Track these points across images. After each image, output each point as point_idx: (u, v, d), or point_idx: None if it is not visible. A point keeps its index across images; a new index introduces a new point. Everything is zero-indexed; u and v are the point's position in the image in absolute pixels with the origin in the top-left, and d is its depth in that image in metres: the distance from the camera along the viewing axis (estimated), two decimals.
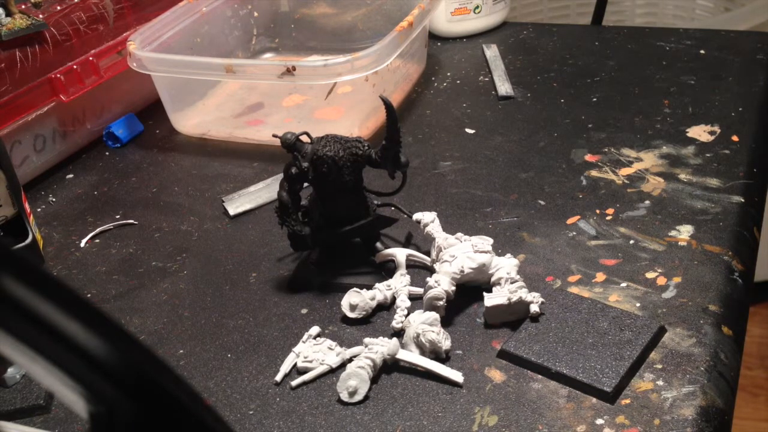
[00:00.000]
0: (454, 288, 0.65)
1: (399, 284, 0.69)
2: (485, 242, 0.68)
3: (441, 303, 0.65)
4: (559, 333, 0.62)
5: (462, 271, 0.66)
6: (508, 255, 0.69)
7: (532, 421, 0.56)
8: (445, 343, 0.62)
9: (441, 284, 0.65)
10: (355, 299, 0.67)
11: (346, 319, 0.68)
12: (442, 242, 0.69)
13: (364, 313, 0.67)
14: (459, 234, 0.70)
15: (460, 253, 0.67)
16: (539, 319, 0.64)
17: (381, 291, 0.68)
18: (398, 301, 0.67)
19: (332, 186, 0.69)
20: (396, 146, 0.69)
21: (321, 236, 0.71)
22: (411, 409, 0.59)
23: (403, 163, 0.70)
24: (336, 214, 0.71)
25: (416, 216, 0.73)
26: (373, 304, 0.68)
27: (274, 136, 0.71)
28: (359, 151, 0.69)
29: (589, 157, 0.87)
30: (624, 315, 0.63)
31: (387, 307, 0.69)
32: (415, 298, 0.68)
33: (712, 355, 0.60)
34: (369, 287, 0.69)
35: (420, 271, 0.72)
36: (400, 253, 0.72)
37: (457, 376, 0.60)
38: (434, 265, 0.69)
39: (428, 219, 0.72)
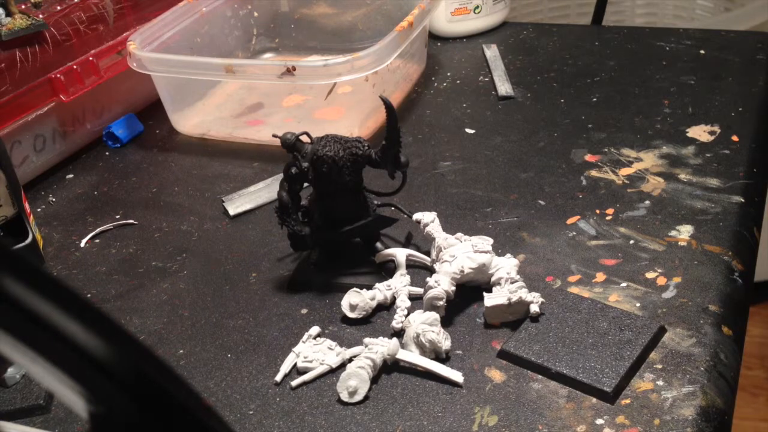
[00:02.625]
0: (454, 288, 0.65)
1: (399, 284, 0.69)
2: (485, 242, 0.68)
3: (441, 303, 0.65)
4: (559, 333, 0.62)
5: (462, 271, 0.66)
6: (508, 255, 0.69)
7: (532, 421, 0.56)
8: (445, 343, 0.62)
9: (441, 284, 0.65)
10: (355, 299, 0.67)
11: (346, 319, 0.68)
12: (442, 242, 0.69)
13: (364, 313, 0.67)
14: (459, 234, 0.70)
15: (460, 253, 0.67)
16: (539, 319, 0.64)
17: (381, 291, 0.68)
18: (398, 301, 0.67)
19: (332, 186, 0.69)
20: (396, 146, 0.69)
21: (321, 236, 0.71)
22: (411, 409, 0.59)
23: (403, 163, 0.70)
24: (336, 214, 0.71)
25: (416, 216, 0.73)
26: (373, 304, 0.68)
27: (274, 136, 0.71)
28: (359, 151, 0.69)
29: (589, 157, 0.87)
30: (624, 315, 0.63)
31: (387, 307, 0.69)
32: (415, 298, 0.68)
33: (712, 355, 0.60)
34: (369, 287, 0.69)
35: (420, 271, 0.72)
36: (400, 253, 0.72)
37: (457, 376, 0.60)
38: (434, 265, 0.69)
39: (428, 219, 0.72)
